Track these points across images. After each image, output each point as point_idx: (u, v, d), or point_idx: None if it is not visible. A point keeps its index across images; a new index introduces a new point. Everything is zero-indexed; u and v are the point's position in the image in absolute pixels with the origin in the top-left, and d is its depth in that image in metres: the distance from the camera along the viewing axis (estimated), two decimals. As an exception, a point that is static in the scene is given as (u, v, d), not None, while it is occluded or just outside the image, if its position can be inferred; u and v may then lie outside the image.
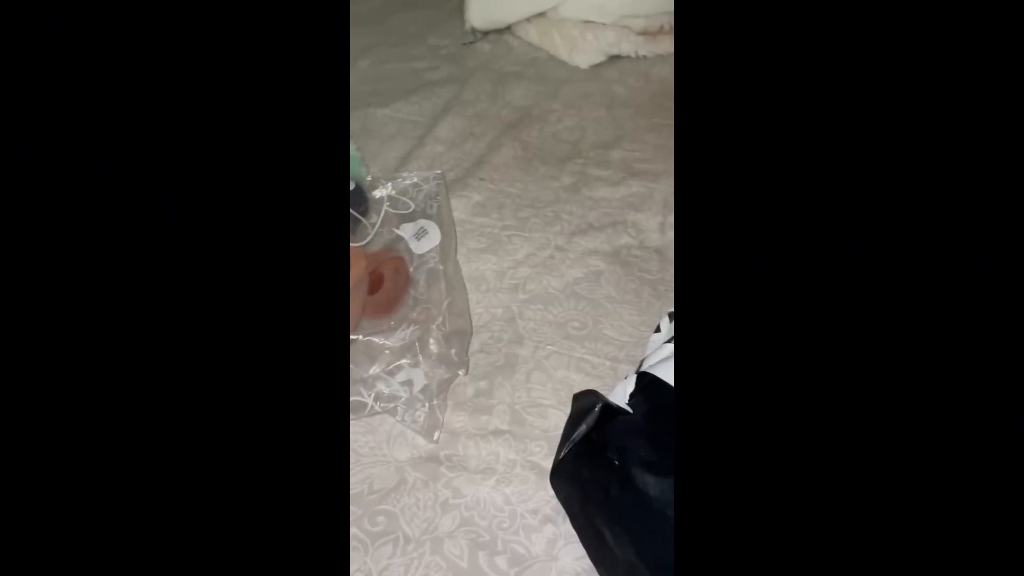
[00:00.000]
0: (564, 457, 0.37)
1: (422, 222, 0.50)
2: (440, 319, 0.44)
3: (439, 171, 0.53)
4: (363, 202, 0.50)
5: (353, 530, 0.38)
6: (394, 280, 0.46)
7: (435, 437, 0.42)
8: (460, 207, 0.60)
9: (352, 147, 0.62)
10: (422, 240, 0.49)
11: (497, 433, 0.43)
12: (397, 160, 0.67)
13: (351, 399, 0.41)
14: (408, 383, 0.41)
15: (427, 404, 0.41)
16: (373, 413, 0.41)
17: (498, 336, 0.49)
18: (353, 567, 0.36)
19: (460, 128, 0.71)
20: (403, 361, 0.42)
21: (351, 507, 0.39)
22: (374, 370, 0.42)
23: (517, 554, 0.37)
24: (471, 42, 0.86)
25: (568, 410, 0.44)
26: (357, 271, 0.41)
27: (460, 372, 0.44)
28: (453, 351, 0.43)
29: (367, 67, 0.82)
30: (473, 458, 0.42)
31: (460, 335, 0.46)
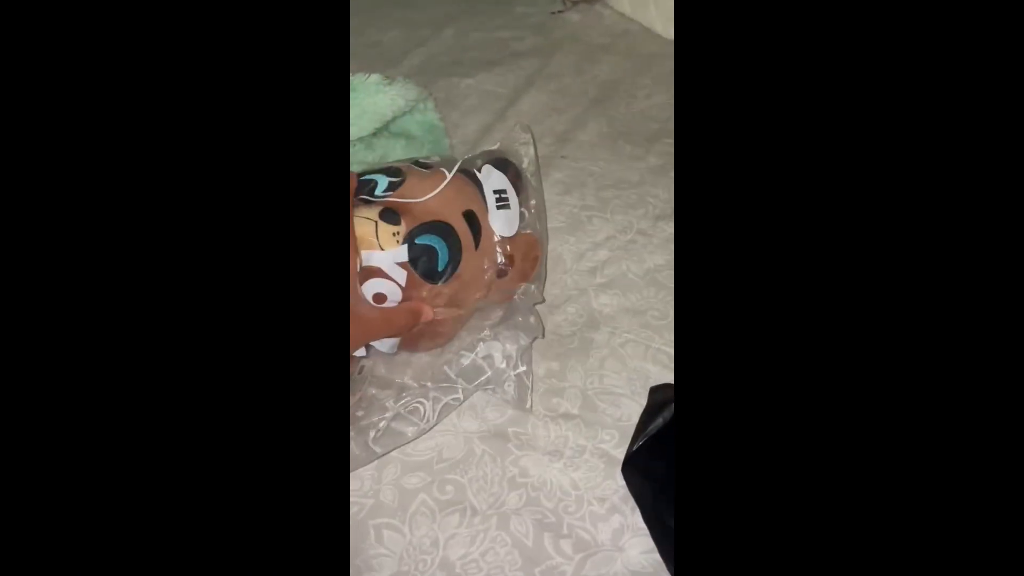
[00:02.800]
0: (638, 450, 0.36)
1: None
2: (523, 288, 0.43)
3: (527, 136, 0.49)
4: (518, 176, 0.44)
5: (422, 496, 0.39)
6: (524, 263, 0.43)
7: (528, 405, 0.42)
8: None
9: (435, 116, 0.62)
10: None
11: (567, 417, 0.42)
12: (478, 132, 0.66)
13: (441, 385, 0.40)
14: (489, 358, 0.40)
15: (514, 373, 0.40)
16: (469, 394, 0.41)
17: (573, 319, 0.48)
18: (421, 532, 0.37)
19: (543, 102, 0.69)
20: (484, 333, 0.42)
21: (420, 473, 0.40)
22: (454, 352, 0.42)
23: (582, 540, 0.37)
24: (560, 11, 0.83)
25: (642, 401, 0.42)
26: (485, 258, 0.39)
27: (538, 336, 0.43)
28: (532, 318, 0.42)
29: (451, 36, 0.81)
30: (542, 439, 0.41)
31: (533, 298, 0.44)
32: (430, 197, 0.40)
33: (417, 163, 0.43)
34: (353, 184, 0.40)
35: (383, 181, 0.40)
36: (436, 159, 0.45)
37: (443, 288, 0.39)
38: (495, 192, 0.42)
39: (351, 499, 0.39)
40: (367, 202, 0.40)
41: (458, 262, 0.40)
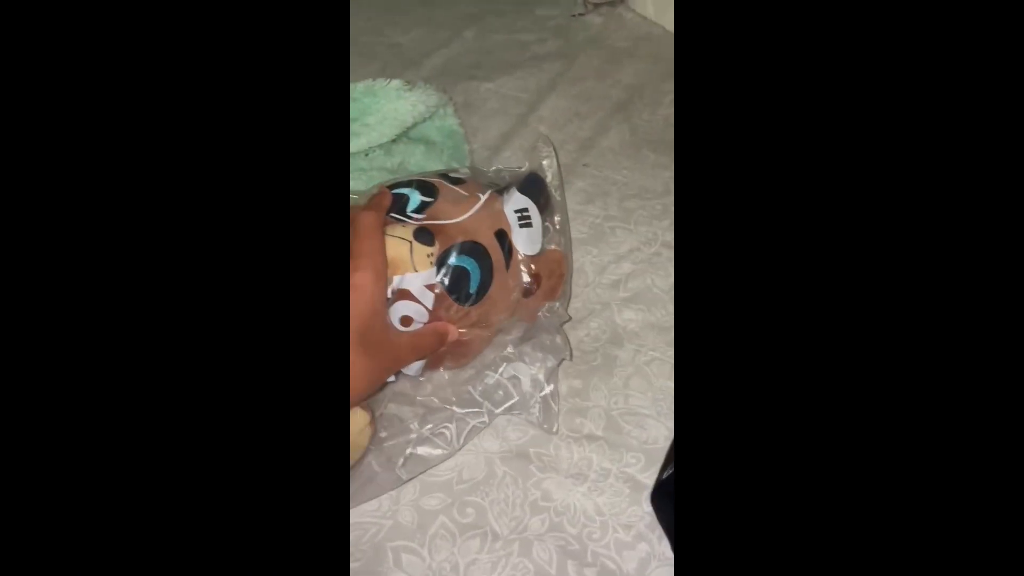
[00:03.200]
0: (668, 478, 0.35)
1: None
2: (548, 306, 0.42)
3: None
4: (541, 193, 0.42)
5: (442, 519, 0.38)
6: (550, 281, 0.42)
7: (555, 428, 0.40)
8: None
9: (455, 122, 0.61)
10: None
11: (591, 438, 0.41)
12: (498, 137, 0.65)
13: (468, 410, 0.39)
14: (514, 379, 0.39)
15: (540, 395, 0.39)
16: (494, 418, 0.40)
17: (595, 335, 0.47)
18: (441, 557, 0.36)
19: (565, 107, 0.68)
20: (507, 351, 0.41)
21: (439, 494, 0.39)
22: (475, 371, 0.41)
23: (607, 569, 0.36)
24: (581, 14, 0.81)
25: (669, 423, 0.41)
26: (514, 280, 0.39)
27: (565, 357, 0.42)
28: (558, 338, 0.41)
29: (472, 38, 0.80)
30: (564, 460, 0.40)
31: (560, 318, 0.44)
32: (465, 218, 0.39)
33: (447, 177, 0.42)
34: (387, 201, 0.39)
35: (415, 198, 0.39)
36: (466, 172, 0.44)
37: (471, 309, 0.38)
38: (516, 212, 0.41)
39: (369, 519, 0.38)
40: (398, 220, 0.39)
41: (489, 284, 0.38)
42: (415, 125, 0.56)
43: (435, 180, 0.41)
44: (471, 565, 0.36)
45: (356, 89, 0.55)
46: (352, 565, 0.36)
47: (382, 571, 0.36)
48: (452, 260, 0.37)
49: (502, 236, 0.40)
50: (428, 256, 0.37)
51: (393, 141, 0.55)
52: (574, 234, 0.54)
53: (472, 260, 0.38)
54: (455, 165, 0.59)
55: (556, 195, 0.45)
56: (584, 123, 0.66)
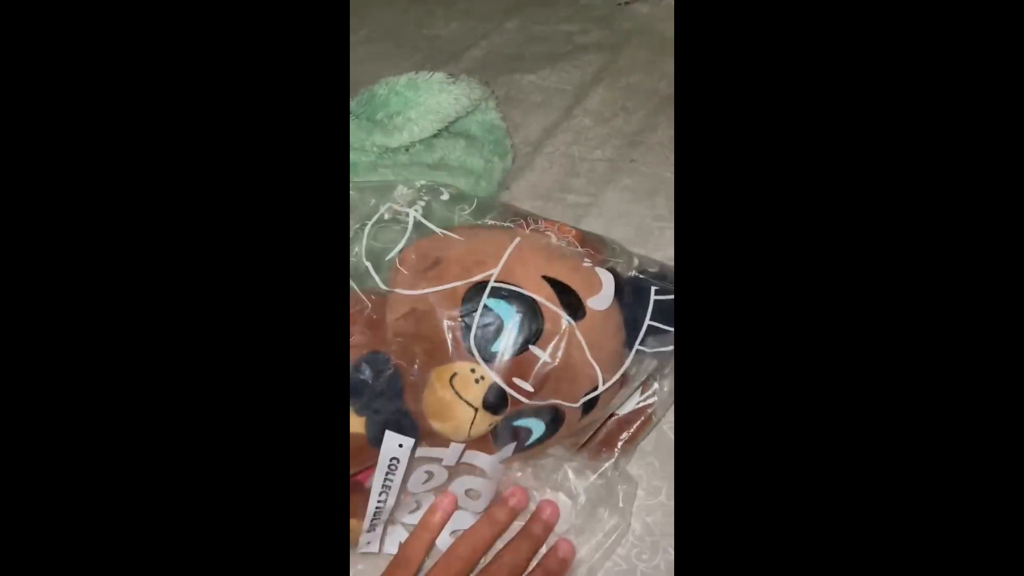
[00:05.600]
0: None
1: None
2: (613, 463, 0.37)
3: None
4: None
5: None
6: (630, 435, 0.37)
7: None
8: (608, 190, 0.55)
9: (497, 116, 0.59)
10: None
11: (640, 454, 0.39)
12: (541, 132, 0.63)
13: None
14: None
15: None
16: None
17: (644, 341, 0.45)
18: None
19: (611, 101, 0.65)
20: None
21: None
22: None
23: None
24: (627, 2, 0.78)
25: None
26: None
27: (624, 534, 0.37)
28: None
29: (514, 29, 0.78)
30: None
31: None
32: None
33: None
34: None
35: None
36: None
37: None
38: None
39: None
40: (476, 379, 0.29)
41: (552, 436, 0.33)
42: (457, 119, 0.55)
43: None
44: None
45: (398, 83, 0.54)
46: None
47: None
48: (516, 422, 0.31)
49: (591, 404, 0.32)
50: (489, 424, 0.31)
51: (434, 136, 0.54)
52: (620, 234, 0.52)
53: (540, 422, 0.32)
54: (496, 160, 0.57)
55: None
56: (631, 117, 0.63)
